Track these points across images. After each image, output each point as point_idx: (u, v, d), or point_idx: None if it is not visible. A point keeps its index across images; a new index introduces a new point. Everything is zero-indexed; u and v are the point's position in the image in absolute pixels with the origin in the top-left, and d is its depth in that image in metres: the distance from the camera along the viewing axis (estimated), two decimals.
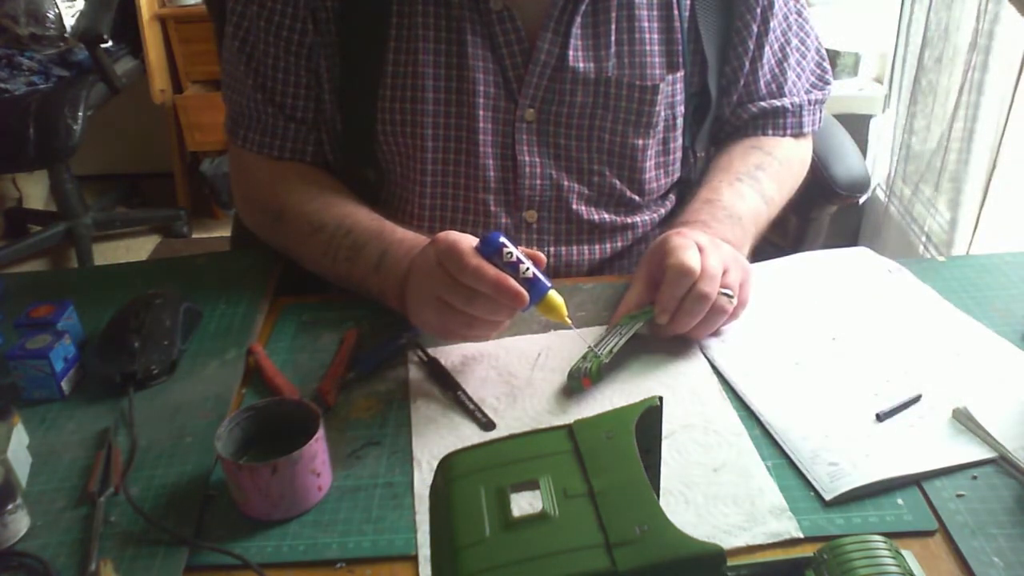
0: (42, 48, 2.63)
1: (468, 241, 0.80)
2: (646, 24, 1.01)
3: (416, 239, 0.92)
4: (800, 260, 1.02)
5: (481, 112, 0.99)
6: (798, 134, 1.11)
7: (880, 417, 0.76)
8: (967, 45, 1.83)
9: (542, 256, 0.82)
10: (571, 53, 0.98)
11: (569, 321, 0.81)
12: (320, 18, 0.99)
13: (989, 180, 1.74)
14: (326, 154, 1.06)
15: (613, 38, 0.99)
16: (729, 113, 1.11)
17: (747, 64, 1.07)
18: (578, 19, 0.98)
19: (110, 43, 2.53)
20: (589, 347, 0.85)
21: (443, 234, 0.81)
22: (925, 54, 2.05)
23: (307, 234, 0.99)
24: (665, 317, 0.85)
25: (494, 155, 1.01)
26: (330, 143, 1.06)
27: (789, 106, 1.09)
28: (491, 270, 0.77)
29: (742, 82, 1.08)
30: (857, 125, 2.20)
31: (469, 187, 1.02)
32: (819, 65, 1.13)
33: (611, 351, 0.84)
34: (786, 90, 1.10)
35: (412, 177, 1.02)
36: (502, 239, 0.79)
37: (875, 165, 2.29)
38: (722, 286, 0.84)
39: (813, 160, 1.16)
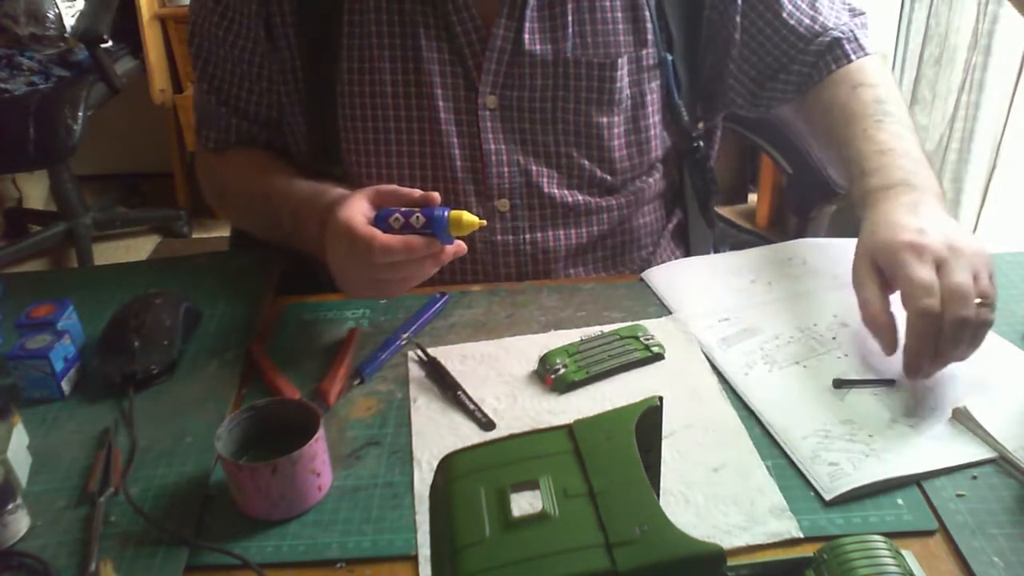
0: (42, 48, 2.63)
1: (361, 221, 0.84)
2: (607, 3, 1.00)
3: (311, 199, 0.95)
4: (801, 246, 1.02)
5: (442, 103, 1.00)
6: (862, 56, 1.06)
7: (837, 384, 0.77)
8: (967, 45, 1.83)
9: (435, 195, 0.85)
10: (526, 36, 0.99)
11: (484, 222, 0.84)
12: (275, 23, 1.01)
13: (989, 180, 1.74)
14: (284, 150, 1.10)
15: (571, 18, 0.99)
16: (757, 85, 1.09)
17: (738, 36, 1.05)
18: (531, 2, 0.98)
19: (110, 43, 2.53)
20: (578, 347, 0.86)
21: (338, 223, 0.84)
22: (925, 54, 2.05)
23: (242, 208, 1.10)
24: (917, 374, 0.77)
25: (460, 145, 1.01)
26: (295, 145, 1.08)
27: (841, 34, 1.06)
28: (396, 241, 0.82)
29: (735, 51, 1.06)
30: None
31: (437, 179, 1.02)
32: (845, 1, 1.11)
33: (587, 372, 0.84)
34: (830, 25, 1.06)
35: (378, 173, 1.03)
36: (387, 210, 0.85)
37: None
38: (977, 295, 0.75)
39: (813, 160, 1.15)
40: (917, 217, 0.82)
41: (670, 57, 1.04)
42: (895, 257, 0.79)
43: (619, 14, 1.01)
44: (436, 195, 0.85)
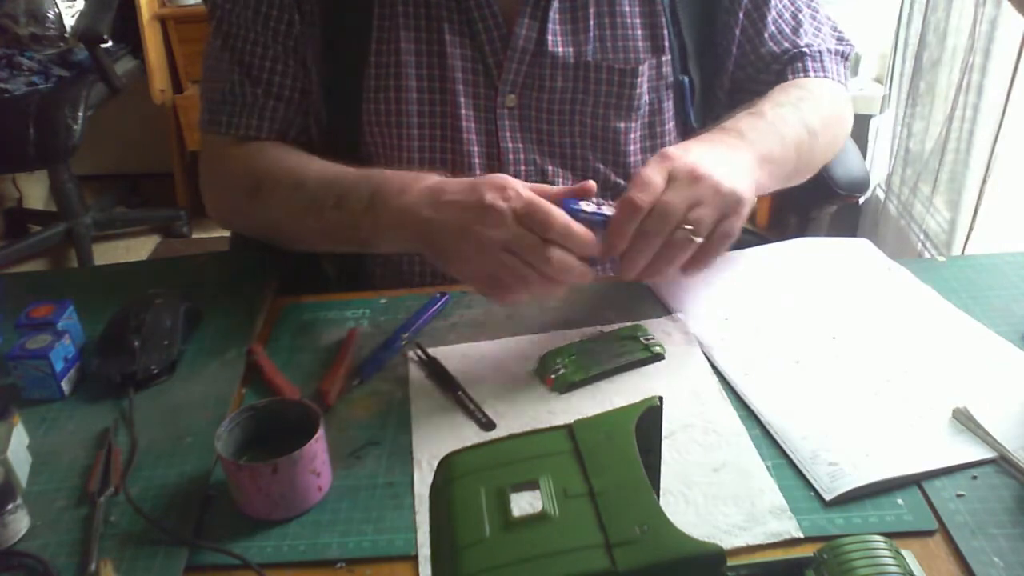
0: (42, 48, 2.63)
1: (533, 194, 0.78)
2: (627, 8, 1.01)
3: (406, 174, 0.88)
4: (800, 246, 1.02)
5: (463, 100, 1.00)
6: (822, 77, 1.08)
7: None
8: (965, 46, 1.83)
9: (590, 183, 0.81)
10: (549, 38, 0.99)
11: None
12: (305, 10, 1.00)
13: (984, 181, 1.74)
14: (312, 139, 1.06)
15: (593, 22, 1.00)
16: (727, 97, 1.10)
17: (735, 47, 1.07)
18: (555, 3, 0.98)
19: (110, 43, 2.53)
20: (578, 347, 0.86)
21: (504, 181, 0.78)
22: (924, 54, 2.05)
23: (288, 194, 0.97)
24: (606, 256, 0.82)
25: (478, 142, 1.02)
26: (317, 132, 1.06)
27: (807, 50, 1.07)
28: (580, 228, 0.77)
29: (731, 66, 1.08)
30: (857, 125, 2.19)
31: (454, 175, 1.02)
32: (835, 29, 1.12)
33: (587, 372, 0.84)
34: (803, 45, 1.08)
35: (398, 167, 1.03)
36: (577, 205, 0.79)
37: (874, 165, 2.30)
38: (688, 222, 0.79)
39: None
40: (706, 146, 0.85)
41: (686, 79, 1.05)
42: (650, 160, 0.82)
43: (637, 20, 1.01)
44: (591, 184, 0.81)
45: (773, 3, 1.06)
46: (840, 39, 1.12)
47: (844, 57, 1.11)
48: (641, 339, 0.87)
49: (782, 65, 1.08)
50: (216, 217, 1.10)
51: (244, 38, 1.02)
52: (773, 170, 0.92)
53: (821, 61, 1.08)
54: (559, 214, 0.77)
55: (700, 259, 0.82)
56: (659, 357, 0.86)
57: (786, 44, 1.08)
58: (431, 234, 0.82)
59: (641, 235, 0.79)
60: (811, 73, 1.07)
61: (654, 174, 0.80)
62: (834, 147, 1.05)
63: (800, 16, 1.09)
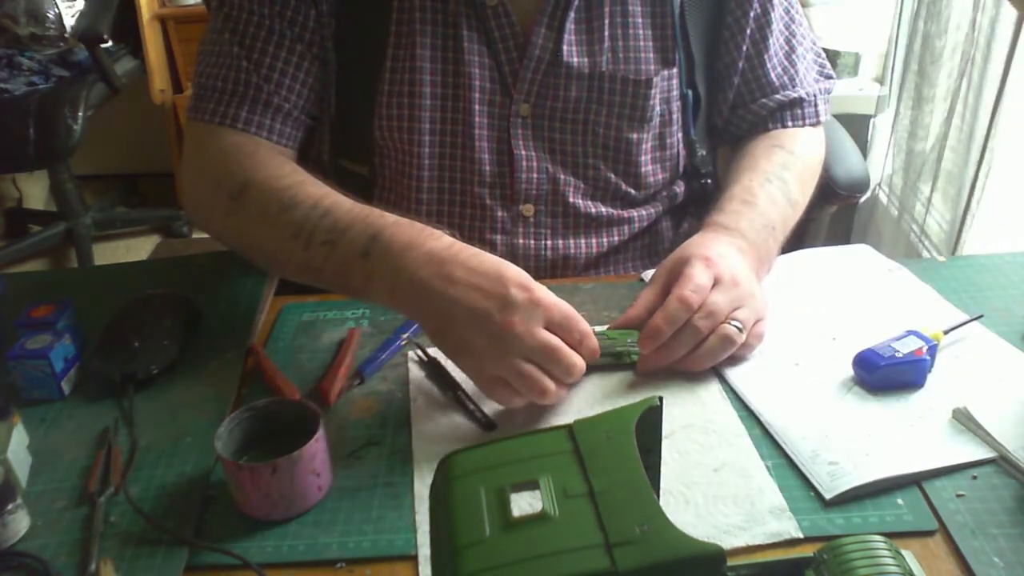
0: (42, 48, 2.63)
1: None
2: (639, 20, 1.01)
3: (410, 226, 0.82)
4: (802, 257, 1.02)
5: (477, 107, 1.00)
6: (815, 123, 1.12)
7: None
8: (964, 44, 1.83)
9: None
10: (565, 48, 0.99)
11: None
12: (322, 11, 0.99)
13: (975, 180, 1.74)
14: (309, 151, 1.05)
15: (607, 32, 1.00)
16: (728, 112, 1.12)
17: (741, 63, 1.08)
18: (571, 14, 0.98)
19: (110, 43, 2.53)
20: None
21: (528, 281, 0.76)
22: (923, 53, 2.05)
23: (275, 213, 0.87)
24: (649, 345, 0.82)
25: (490, 150, 1.02)
26: (322, 137, 1.06)
27: (805, 96, 1.10)
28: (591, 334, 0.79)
29: (737, 80, 1.09)
30: (857, 125, 2.20)
31: (466, 181, 1.03)
32: (818, 56, 1.16)
33: None
34: (799, 80, 1.11)
35: (409, 172, 1.03)
36: None
37: (874, 165, 2.29)
38: (731, 318, 0.83)
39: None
40: (728, 251, 0.89)
41: (690, 92, 1.06)
42: (689, 260, 0.86)
43: (649, 32, 1.02)
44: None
45: (774, 25, 1.08)
46: (821, 67, 1.16)
47: (829, 92, 1.15)
48: (620, 344, 0.86)
49: (776, 105, 1.10)
50: (194, 219, 1.00)
51: (252, 21, 0.97)
52: (766, 270, 0.97)
53: (815, 106, 1.12)
54: (581, 320, 0.79)
55: (734, 355, 0.85)
56: (631, 365, 0.85)
57: (779, 69, 1.10)
58: (439, 313, 0.77)
59: (688, 328, 0.82)
60: (807, 120, 1.11)
61: (703, 277, 0.84)
62: (806, 204, 1.07)
63: (793, 41, 1.11)
